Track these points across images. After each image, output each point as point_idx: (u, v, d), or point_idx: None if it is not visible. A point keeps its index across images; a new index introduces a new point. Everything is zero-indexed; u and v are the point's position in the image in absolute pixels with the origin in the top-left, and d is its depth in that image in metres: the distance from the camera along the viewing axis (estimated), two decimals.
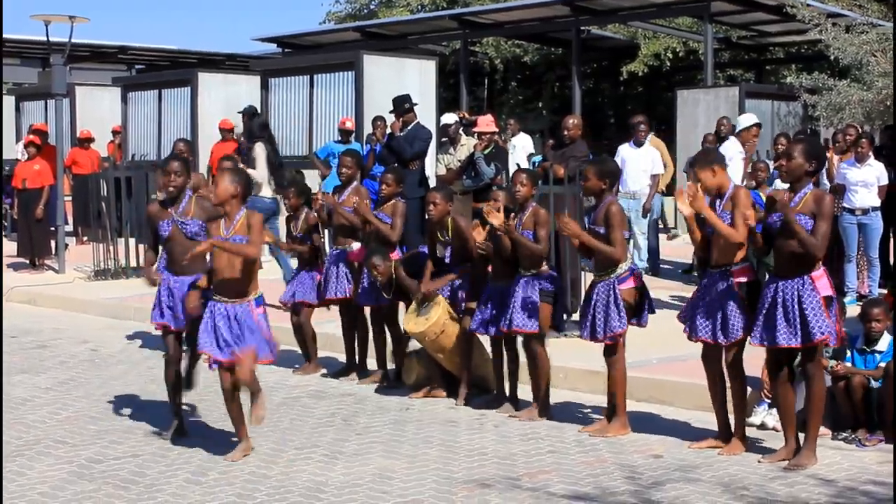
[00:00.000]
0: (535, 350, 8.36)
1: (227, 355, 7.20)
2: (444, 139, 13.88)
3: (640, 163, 14.67)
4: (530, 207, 8.38)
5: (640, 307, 7.91)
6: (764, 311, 7.03)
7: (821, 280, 6.93)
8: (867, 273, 12.59)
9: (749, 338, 7.22)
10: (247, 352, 7.17)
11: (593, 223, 7.91)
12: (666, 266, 15.42)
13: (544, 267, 8.32)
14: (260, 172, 12.93)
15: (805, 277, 6.91)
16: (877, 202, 12.42)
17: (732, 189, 7.31)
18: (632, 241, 13.96)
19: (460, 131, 13.38)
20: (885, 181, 12.47)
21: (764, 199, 7.55)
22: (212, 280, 7.44)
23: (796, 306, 6.88)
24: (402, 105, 13.61)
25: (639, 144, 14.88)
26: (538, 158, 13.42)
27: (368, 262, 9.17)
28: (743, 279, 7.23)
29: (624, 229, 7.87)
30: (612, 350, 7.85)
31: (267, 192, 13.12)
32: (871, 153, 12.65)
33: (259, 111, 18.37)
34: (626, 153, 14.73)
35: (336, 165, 11.37)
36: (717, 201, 7.34)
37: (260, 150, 13.22)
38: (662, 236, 17.32)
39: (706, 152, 7.83)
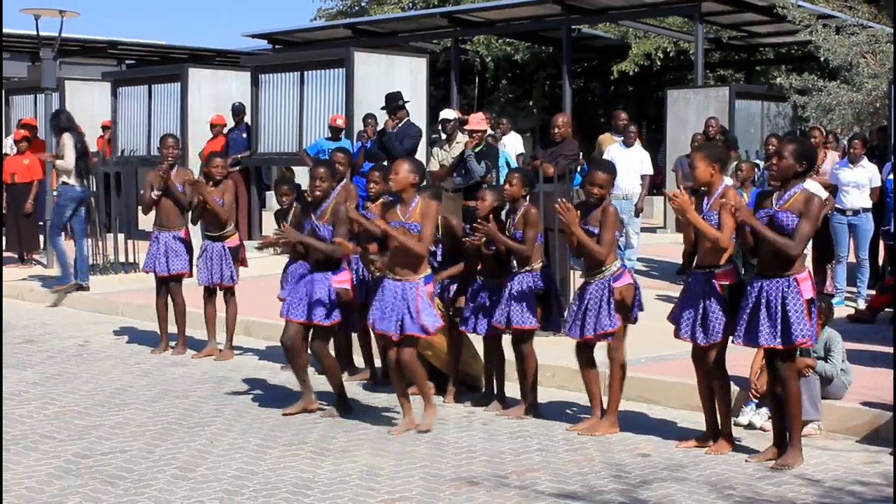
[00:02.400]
0: (523, 348, 8.36)
1: (392, 329, 7.83)
2: (434, 135, 13.86)
3: (632, 164, 14.70)
4: (522, 207, 8.38)
5: (633, 305, 7.93)
6: (747, 312, 7.03)
7: (805, 282, 6.94)
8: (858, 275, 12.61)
9: (732, 338, 7.23)
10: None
11: (587, 223, 7.93)
12: (654, 266, 15.46)
13: (538, 265, 8.32)
14: (68, 162, 13.89)
15: (791, 279, 6.91)
16: (868, 203, 12.46)
17: (723, 188, 7.30)
18: (623, 241, 13.99)
19: (458, 129, 13.35)
20: (877, 182, 12.51)
21: (747, 198, 7.54)
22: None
23: (779, 307, 6.89)
24: (395, 102, 13.60)
25: (628, 146, 14.92)
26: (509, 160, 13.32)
27: (365, 256, 9.15)
28: (726, 282, 7.23)
29: (617, 230, 7.88)
30: (591, 349, 7.87)
31: (74, 180, 14.00)
32: (863, 154, 12.69)
33: (245, 107, 18.41)
34: (616, 154, 14.75)
35: None
36: (705, 198, 7.34)
37: (68, 141, 13.99)
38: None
39: (715, 146, 7.84)
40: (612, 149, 14.92)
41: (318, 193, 8.37)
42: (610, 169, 8.11)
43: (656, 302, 11.87)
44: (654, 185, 18.66)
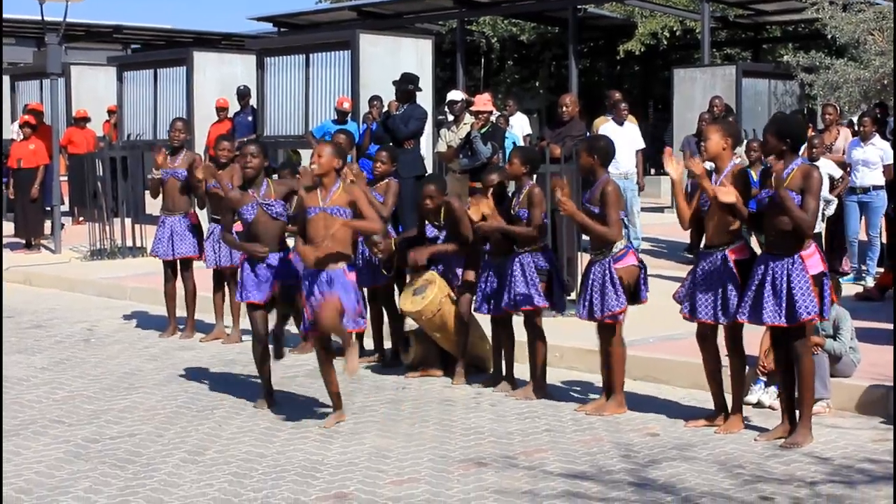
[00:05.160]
0: (533, 328, 8.35)
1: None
2: (441, 117, 13.80)
3: (626, 141, 14.63)
4: (526, 186, 8.35)
5: (638, 285, 7.88)
6: (752, 289, 7.01)
7: (812, 258, 6.91)
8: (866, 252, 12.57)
9: (739, 315, 7.20)
10: (329, 299, 7.39)
11: (588, 202, 7.88)
12: (661, 245, 15.43)
13: (540, 245, 8.30)
14: None
15: (795, 256, 6.89)
16: (879, 181, 12.39)
17: (732, 166, 7.28)
18: (627, 220, 13.95)
19: (465, 110, 13.30)
20: (889, 160, 12.44)
21: (756, 177, 7.50)
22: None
23: (784, 285, 6.86)
24: (405, 85, 13.54)
25: (620, 123, 14.76)
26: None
27: (368, 240, 9.15)
28: (739, 257, 7.20)
29: (620, 209, 7.81)
30: (611, 329, 7.83)
31: None
32: (874, 131, 12.64)
33: (250, 90, 18.45)
34: (609, 133, 14.65)
35: None
36: (714, 175, 7.31)
37: None
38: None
39: (731, 123, 7.80)
40: (606, 128, 14.81)
41: (250, 170, 8.13)
42: (595, 146, 8.02)
43: (664, 282, 11.82)
44: (661, 164, 18.62)
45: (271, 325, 8.23)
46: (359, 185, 9.10)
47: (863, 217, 12.59)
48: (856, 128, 13.48)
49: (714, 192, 7.01)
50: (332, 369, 7.68)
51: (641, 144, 14.90)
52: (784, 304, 6.86)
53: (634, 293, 7.86)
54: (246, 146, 8.33)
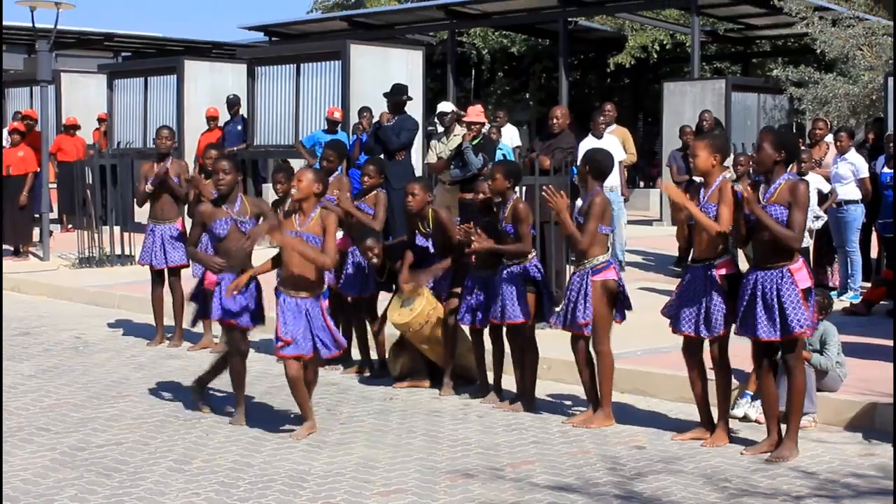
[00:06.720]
0: (524, 341, 8.36)
1: (303, 350, 7.55)
2: (430, 128, 13.80)
3: None
4: (511, 201, 8.35)
5: (617, 302, 7.90)
6: (744, 304, 7.04)
7: (800, 272, 6.94)
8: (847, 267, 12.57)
9: (733, 328, 7.23)
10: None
11: (579, 213, 7.93)
12: (650, 258, 15.45)
13: (528, 257, 8.31)
14: None
15: (784, 269, 6.92)
16: (851, 195, 12.37)
17: (720, 181, 7.30)
18: (615, 235, 13.94)
19: (456, 121, 13.31)
20: (863, 174, 12.44)
21: (742, 191, 7.52)
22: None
23: (775, 299, 6.89)
24: (399, 96, 13.56)
25: (598, 136, 14.66)
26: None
27: (363, 246, 9.18)
28: (725, 272, 7.22)
29: (602, 223, 7.80)
30: (597, 341, 7.85)
31: None
32: (851, 146, 12.65)
33: (240, 99, 18.46)
34: (589, 147, 14.59)
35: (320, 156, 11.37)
36: (703, 190, 7.34)
37: None
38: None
39: (718, 137, 7.82)
40: (584, 142, 14.76)
41: (222, 187, 8.11)
42: (590, 157, 8.06)
43: (652, 294, 11.85)
44: (651, 177, 18.61)
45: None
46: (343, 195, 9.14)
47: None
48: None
49: (752, 208, 6.97)
50: (300, 390, 7.70)
51: (622, 156, 14.87)
52: (777, 319, 6.88)
53: (614, 309, 7.89)
54: (218, 162, 8.29)
